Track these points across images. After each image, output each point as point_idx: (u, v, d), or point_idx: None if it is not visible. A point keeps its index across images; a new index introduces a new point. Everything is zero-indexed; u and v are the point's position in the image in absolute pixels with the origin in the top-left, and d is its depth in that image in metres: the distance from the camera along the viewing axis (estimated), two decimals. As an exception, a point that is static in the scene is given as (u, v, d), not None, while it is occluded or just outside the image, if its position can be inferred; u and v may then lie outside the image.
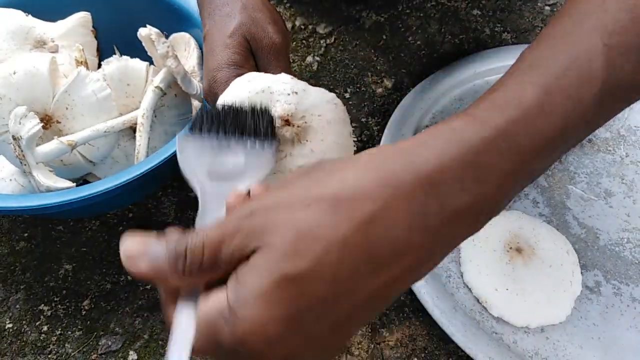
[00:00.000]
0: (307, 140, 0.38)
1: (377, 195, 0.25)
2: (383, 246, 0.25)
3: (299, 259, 0.24)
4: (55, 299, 0.55)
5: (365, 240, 0.25)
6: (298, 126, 0.37)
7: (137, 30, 0.53)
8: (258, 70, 0.44)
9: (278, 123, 0.37)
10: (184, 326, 0.26)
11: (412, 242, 0.25)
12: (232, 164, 0.33)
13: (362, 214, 0.25)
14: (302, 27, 0.79)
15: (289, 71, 0.42)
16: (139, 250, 0.27)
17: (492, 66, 0.69)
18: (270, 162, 0.35)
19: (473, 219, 0.28)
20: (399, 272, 0.26)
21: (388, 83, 0.72)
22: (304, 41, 0.77)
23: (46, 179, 0.49)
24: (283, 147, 0.37)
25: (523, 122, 0.28)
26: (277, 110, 0.37)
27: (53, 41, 0.60)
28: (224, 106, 0.35)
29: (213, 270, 0.26)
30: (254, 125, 0.35)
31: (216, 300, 0.26)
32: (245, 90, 0.38)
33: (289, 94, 0.38)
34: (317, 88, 0.40)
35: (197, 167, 0.33)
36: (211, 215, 0.30)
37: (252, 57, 0.44)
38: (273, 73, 0.41)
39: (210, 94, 0.43)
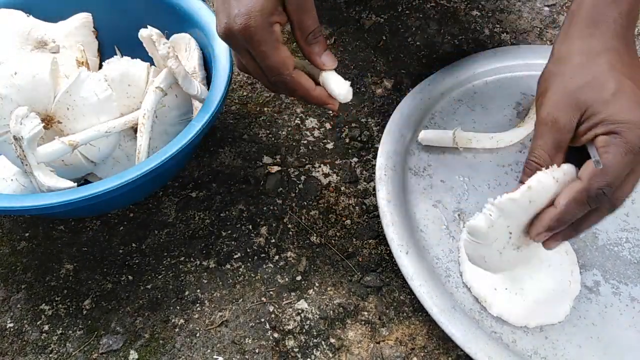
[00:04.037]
0: None
1: None
2: None
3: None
4: (56, 299, 0.56)
5: None
6: None
7: (138, 31, 0.53)
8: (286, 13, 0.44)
9: None
10: None
11: None
12: None
13: None
14: (302, 27, 0.79)
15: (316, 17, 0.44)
16: None
17: (492, 67, 0.69)
18: None
19: None
20: None
21: (388, 84, 0.73)
22: (304, 42, 0.77)
23: (47, 179, 0.49)
24: None
25: None
26: None
27: (54, 42, 0.60)
28: None
29: None
30: None
31: None
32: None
33: None
34: None
35: None
36: None
37: (282, 7, 0.43)
38: (313, 28, 0.44)
39: (238, 37, 0.43)
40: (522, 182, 0.43)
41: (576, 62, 0.43)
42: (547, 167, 0.41)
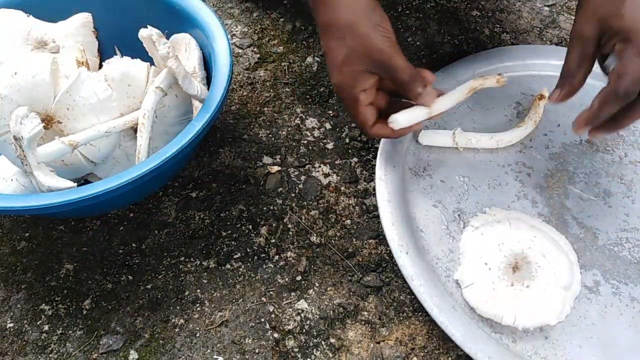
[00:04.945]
0: None
1: None
2: None
3: None
4: (56, 299, 0.56)
5: None
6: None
7: (138, 31, 0.53)
8: (385, 78, 0.51)
9: None
10: None
11: None
12: None
13: None
14: (302, 27, 0.79)
15: (408, 67, 0.50)
16: None
17: (492, 67, 0.69)
18: None
19: None
20: None
21: (388, 83, 0.73)
22: (304, 42, 0.78)
23: (47, 179, 0.49)
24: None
25: None
26: None
27: (54, 42, 0.60)
28: None
29: None
30: None
31: None
32: None
33: None
34: None
35: None
36: None
37: (370, 72, 0.51)
38: (405, 80, 0.50)
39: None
40: (558, 87, 0.52)
41: None
42: (573, 76, 0.50)
